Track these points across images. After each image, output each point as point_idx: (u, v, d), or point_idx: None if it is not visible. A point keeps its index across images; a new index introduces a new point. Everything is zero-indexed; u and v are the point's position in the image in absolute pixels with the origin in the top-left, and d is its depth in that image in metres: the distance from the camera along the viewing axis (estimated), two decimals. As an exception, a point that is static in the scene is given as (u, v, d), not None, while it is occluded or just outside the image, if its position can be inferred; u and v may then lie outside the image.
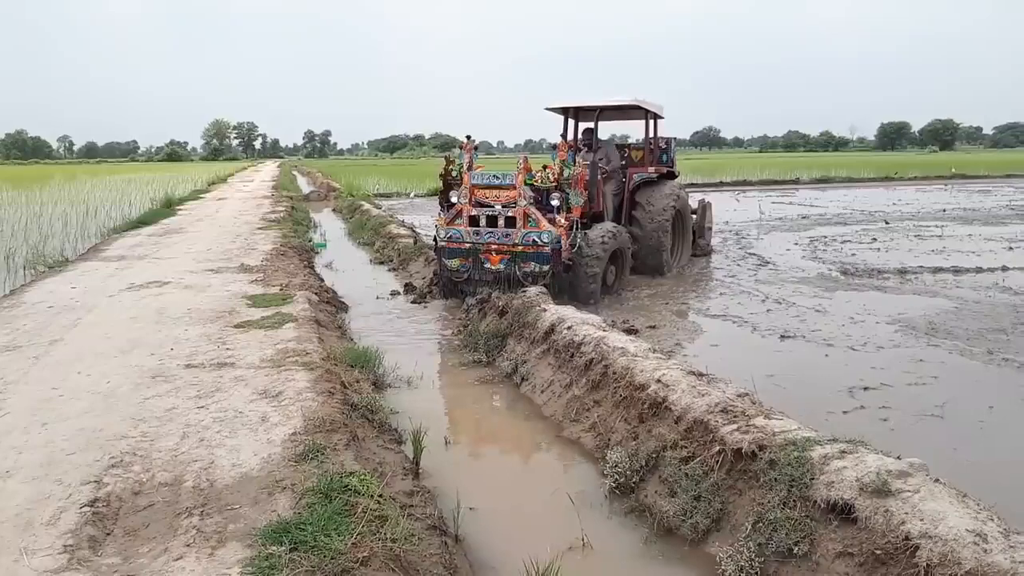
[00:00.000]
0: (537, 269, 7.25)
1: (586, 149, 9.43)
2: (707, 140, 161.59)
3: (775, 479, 2.94)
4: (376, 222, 14.29)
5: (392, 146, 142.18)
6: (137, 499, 2.98)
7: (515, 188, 7.38)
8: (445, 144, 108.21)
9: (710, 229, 11.57)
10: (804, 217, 17.28)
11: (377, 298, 8.43)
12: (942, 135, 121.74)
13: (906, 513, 2.48)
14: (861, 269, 9.66)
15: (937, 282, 8.69)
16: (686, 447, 3.49)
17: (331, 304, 7.47)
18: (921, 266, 9.74)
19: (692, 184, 25.49)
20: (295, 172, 49.62)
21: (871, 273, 9.35)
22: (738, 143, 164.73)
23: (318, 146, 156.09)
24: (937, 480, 2.66)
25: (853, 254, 11.16)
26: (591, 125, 9.87)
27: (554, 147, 7.97)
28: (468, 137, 7.92)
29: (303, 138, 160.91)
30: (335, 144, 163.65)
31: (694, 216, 10.82)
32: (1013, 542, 2.26)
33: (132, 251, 10.50)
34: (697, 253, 10.93)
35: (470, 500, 3.47)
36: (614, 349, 4.65)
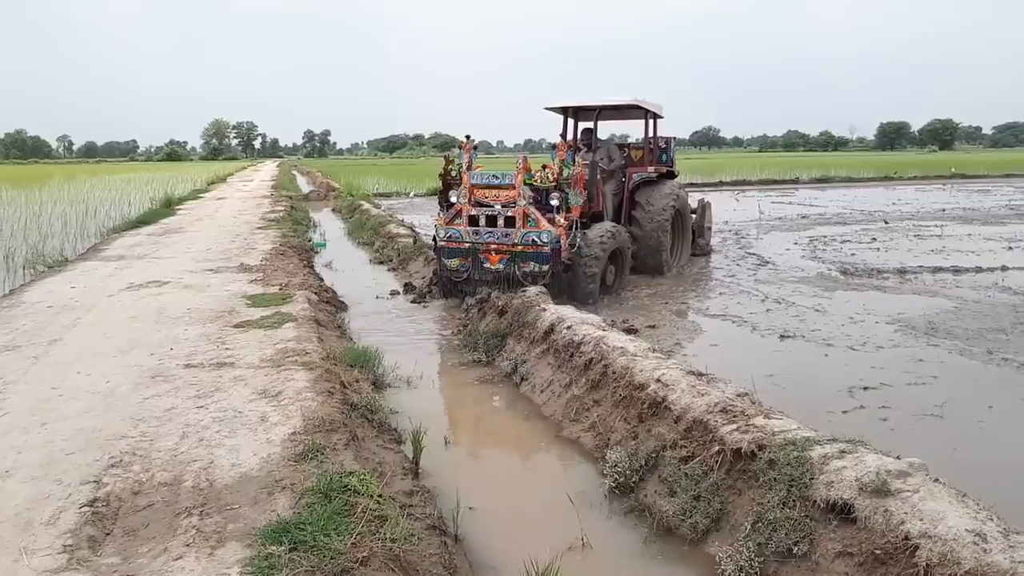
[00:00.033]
0: (536, 269, 7.25)
1: (585, 149, 9.43)
2: (707, 140, 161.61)
3: (775, 479, 2.94)
4: (376, 222, 14.29)
5: (392, 146, 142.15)
6: (136, 499, 2.98)
7: (514, 188, 7.38)
8: (445, 144, 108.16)
9: (710, 229, 11.57)
10: (804, 217, 17.29)
11: (377, 298, 8.43)
12: (941, 135, 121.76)
13: (906, 513, 2.48)
14: (861, 269, 9.66)
15: (937, 282, 8.69)
16: (686, 447, 3.49)
17: (331, 304, 7.47)
18: (921, 266, 9.74)
19: (692, 184, 25.49)
20: (294, 172, 49.61)
21: (871, 273, 9.35)
22: (737, 143, 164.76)
23: (318, 146, 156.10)
24: (937, 480, 2.66)
25: (853, 254, 11.17)
26: (590, 125, 9.87)
27: (553, 147, 7.97)
28: (467, 137, 7.92)
29: (303, 138, 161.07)
30: (335, 144, 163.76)
31: (694, 216, 10.82)
32: (1012, 542, 2.26)
33: (131, 251, 10.49)
34: (697, 253, 10.93)
35: (470, 500, 3.47)
36: (614, 349, 4.65)
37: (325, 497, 2.87)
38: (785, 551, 2.73)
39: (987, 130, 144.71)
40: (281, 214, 16.14)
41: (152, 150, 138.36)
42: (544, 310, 5.88)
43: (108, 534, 2.73)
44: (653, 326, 6.78)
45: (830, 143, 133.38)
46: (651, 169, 9.60)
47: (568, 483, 3.78)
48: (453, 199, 7.71)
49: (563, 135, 10.04)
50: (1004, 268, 9.47)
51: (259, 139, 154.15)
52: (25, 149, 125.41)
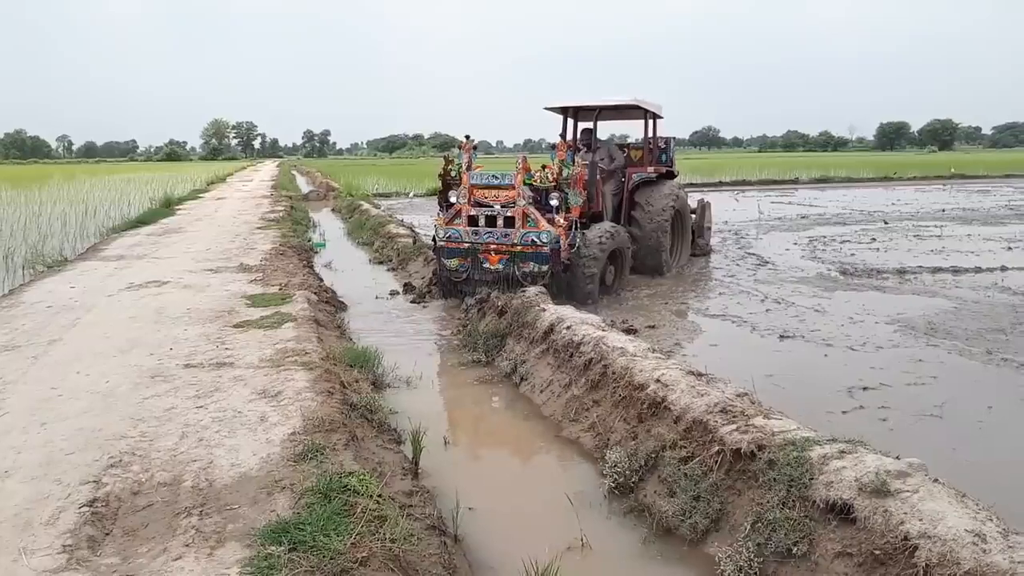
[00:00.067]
0: (536, 269, 7.25)
1: (585, 149, 9.43)
2: (706, 140, 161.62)
3: (774, 479, 2.94)
4: (375, 222, 14.28)
5: (391, 146, 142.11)
6: (136, 499, 2.98)
7: (514, 188, 7.38)
8: (444, 144, 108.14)
9: (709, 229, 11.57)
10: (803, 217, 17.30)
11: (376, 298, 8.43)
12: (941, 135, 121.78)
13: (905, 513, 2.48)
14: (860, 269, 9.66)
15: (936, 282, 8.69)
16: (685, 447, 3.49)
17: (330, 304, 7.47)
18: (920, 266, 9.75)
19: (691, 184, 25.50)
20: (294, 172, 49.61)
21: (870, 273, 9.36)
22: (737, 143, 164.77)
23: (317, 146, 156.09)
24: (936, 480, 2.66)
25: (852, 254, 11.17)
26: (590, 125, 9.87)
27: (553, 147, 7.97)
28: (467, 137, 7.92)
29: (302, 138, 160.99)
30: (334, 144, 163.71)
31: (693, 216, 10.82)
32: (1012, 542, 2.26)
33: (131, 251, 10.49)
34: (696, 253, 10.93)
35: (469, 500, 3.47)
36: (613, 349, 4.65)
37: (325, 497, 2.87)
38: (784, 551, 2.73)
39: (987, 130, 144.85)
40: (281, 214, 16.14)
41: (152, 150, 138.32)
42: (544, 310, 5.88)
43: (107, 534, 2.73)
44: (653, 326, 6.79)
45: (830, 143, 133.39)
46: (651, 169, 9.60)
47: (567, 483, 3.78)
48: (453, 199, 7.71)
49: (563, 135, 10.04)
50: (1003, 268, 9.47)
51: (259, 139, 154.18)
52: (25, 149, 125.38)
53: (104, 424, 3.75)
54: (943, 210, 18.54)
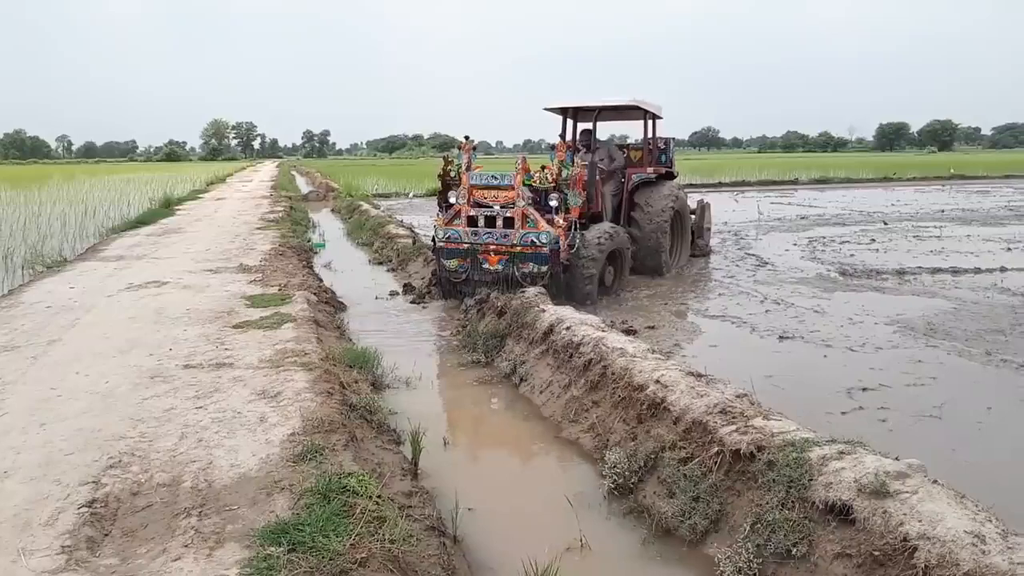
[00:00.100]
0: (535, 270, 7.25)
1: (584, 150, 9.43)
2: (706, 140, 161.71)
3: (773, 480, 2.94)
4: (375, 222, 14.29)
5: (391, 146, 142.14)
6: (135, 500, 2.98)
7: (513, 189, 7.38)
8: (444, 144, 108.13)
9: (709, 230, 11.57)
10: (803, 218, 17.30)
11: (376, 298, 8.43)
12: (941, 136, 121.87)
13: (904, 514, 2.48)
14: (860, 270, 9.66)
15: (935, 283, 8.70)
16: (685, 448, 3.50)
17: (330, 304, 7.47)
18: (920, 267, 9.75)
19: (691, 184, 25.50)
20: (294, 172, 49.60)
21: (870, 274, 9.36)
22: (737, 144, 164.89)
23: (317, 146, 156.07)
24: (935, 481, 2.66)
25: (852, 255, 11.17)
26: (589, 126, 9.87)
27: (552, 147, 7.97)
28: (467, 137, 7.92)
29: (302, 138, 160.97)
30: (334, 144, 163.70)
31: (693, 216, 10.82)
32: (1011, 543, 2.27)
33: (131, 251, 10.49)
34: (696, 254, 10.93)
35: (469, 501, 3.47)
36: (613, 350, 4.65)
37: (324, 498, 2.87)
38: (784, 552, 2.73)
39: (986, 131, 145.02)
40: (280, 214, 16.14)
41: (151, 150, 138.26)
42: (543, 311, 5.88)
43: (107, 535, 2.73)
44: (652, 327, 6.79)
45: (829, 144, 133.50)
46: (650, 170, 9.60)
47: (567, 484, 3.78)
48: (452, 200, 7.71)
49: (562, 136, 10.04)
50: (1003, 269, 9.47)
51: (258, 139, 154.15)
52: (24, 149, 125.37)
53: (103, 424, 3.75)
54: (942, 211, 18.55)
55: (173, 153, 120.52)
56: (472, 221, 7.55)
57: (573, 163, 7.65)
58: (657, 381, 4.01)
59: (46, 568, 2.48)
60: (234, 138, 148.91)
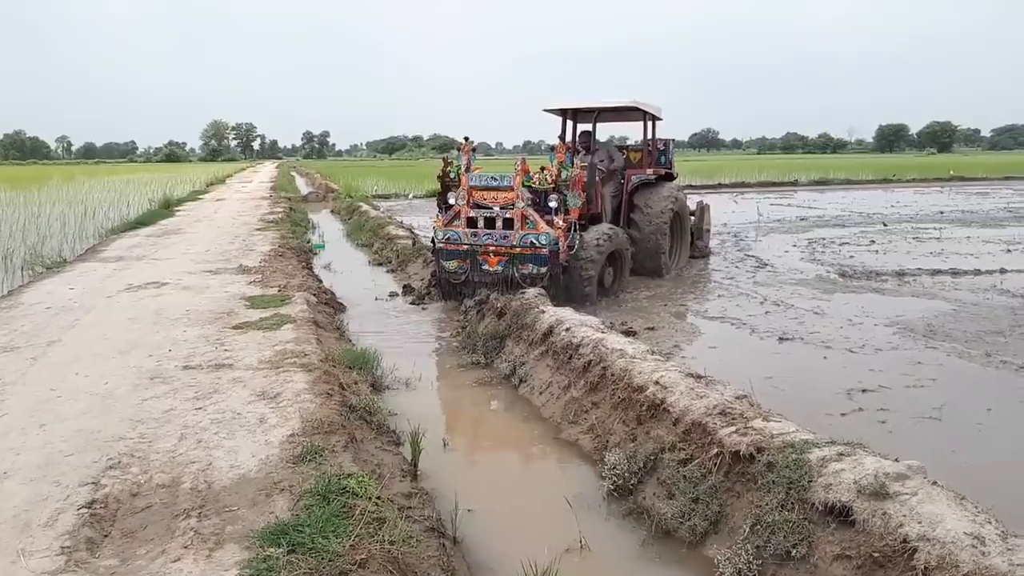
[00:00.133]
0: (535, 271, 7.25)
1: (583, 151, 9.44)
2: (705, 142, 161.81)
3: (773, 481, 2.94)
4: (374, 223, 14.29)
5: (391, 147, 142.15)
6: (135, 501, 2.98)
7: (513, 190, 7.38)
8: (444, 145, 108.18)
9: (708, 231, 11.57)
10: (802, 219, 17.31)
11: (376, 299, 8.43)
12: (940, 137, 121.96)
13: (904, 516, 2.48)
14: (859, 271, 9.67)
15: (935, 284, 8.70)
16: (684, 449, 3.50)
17: (329, 305, 7.47)
18: (919, 268, 9.75)
19: (690, 186, 25.51)
20: (293, 173, 49.60)
21: (869, 275, 9.36)
22: (736, 145, 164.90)
23: (316, 147, 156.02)
24: (935, 483, 2.66)
25: (851, 256, 11.18)
26: (588, 128, 9.88)
27: (552, 149, 7.98)
28: (466, 138, 7.92)
29: (302, 139, 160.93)
30: (334, 145, 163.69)
31: (692, 218, 10.83)
32: (1011, 545, 2.27)
33: (130, 252, 10.49)
34: (695, 255, 10.93)
35: (468, 502, 3.47)
36: (612, 351, 4.65)
37: (323, 499, 2.86)
38: (783, 554, 2.73)
39: (986, 132, 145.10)
40: (280, 215, 16.14)
41: (151, 151, 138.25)
42: (543, 312, 5.88)
43: (106, 536, 2.73)
44: (652, 328, 6.79)
45: (829, 145, 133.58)
46: (650, 171, 9.60)
47: (567, 485, 3.78)
48: (451, 201, 7.71)
49: (562, 137, 10.04)
50: (1002, 271, 9.48)
51: (258, 140, 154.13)
52: (24, 150, 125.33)
53: (103, 425, 3.75)
54: (942, 212, 18.56)
55: (173, 154, 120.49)
56: (472, 222, 7.55)
57: (572, 164, 7.65)
58: (657, 382, 4.01)
59: (46, 569, 2.47)
60: (234, 139, 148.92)
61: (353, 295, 8.51)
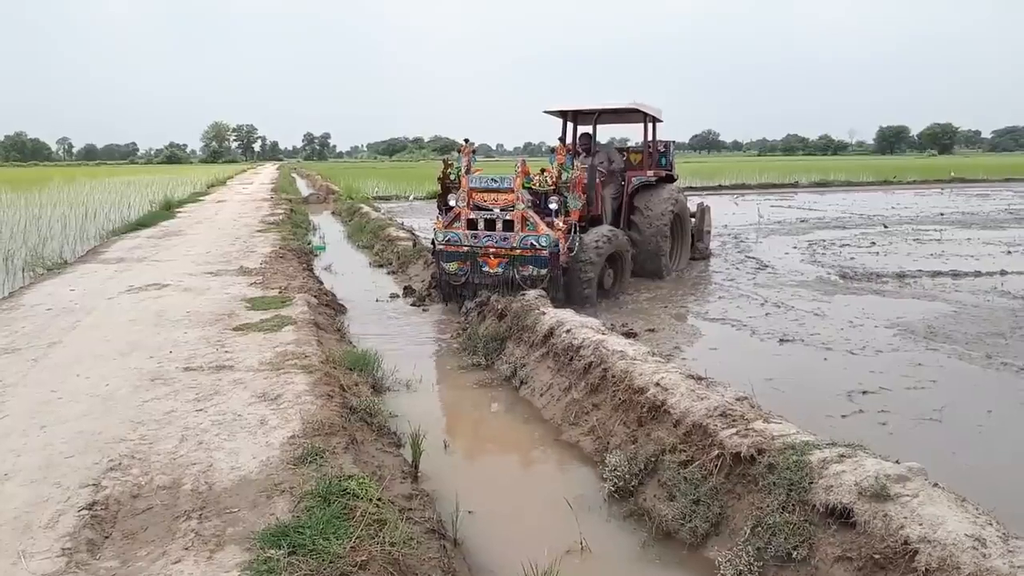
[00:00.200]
0: (535, 272, 7.25)
1: (583, 153, 9.44)
2: (706, 143, 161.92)
3: (774, 483, 2.94)
4: (375, 225, 14.29)
5: (391, 149, 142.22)
6: (136, 502, 2.98)
7: (513, 191, 7.38)
8: (444, 147, 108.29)
9: (709, 232, 11.58)
10: (803, 221, 17.31)
11: (376, 301, 8.43)
12: (941, 139, 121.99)
13: (905, 517, 2.48)
14: (860, 273, 9.67)
15: (936, 286, 8.70)
16: (685, 451, 3.49)
17: (330, 307, 7.47)
18: (920, 270, 9.75)
19: (691, 187, 25.50)
20: (294, 175, 49.63)
21: (870, 277, 9.36)
22: (737, 146, 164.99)
23: (317, 148, 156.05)
24: (936, 484, 2.66)
25: (852, 258, 11.18)
26: (588, 130, 9.88)
27: (552, 150, 7.98)
28: (466, 140, 7.92)
29: (302, 140, 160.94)
30: (334, 147, 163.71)
31: (693, 219, 10.83)
32: (1012, 547, 2.27)
33: (131, 253, 10.50)
34: (696, 256, 10.93)
35: (469, 503, 3.47)
36: (613, 352, 4.65)
37: (324, 501, 2.87)
38: (784, 555, 2.73)
39: (986, 134, 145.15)
40: (280, 217, 16.15)
41: (152, 153, 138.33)
42: (543, 314, 5.88)
43: (107, 537, 2.73)
44: (652, 330, 6.79)
45: (829, 147, 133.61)
46: (650, 173, 9.61)
47: (567, 487, 3.78)
48: (452, 203, 7.72)
49: (562, 138, 10.03)
50: (1003, 272, 9.48)
51: (259, 142, 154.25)
52: (25, 151, 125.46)
53: (104, 427, 3.75)
54: (942, 214, 18.56)
55: (174, 155, 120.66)
56: (472, 224, 7.55)
57: (573, 166, 7.65)
58: (657, 384, 4.01)
59: (46, 571, 2.47)
60: (234, 140, 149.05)
61: (354, 297, 8.51)
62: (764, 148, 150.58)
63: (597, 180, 8.27)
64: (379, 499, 2.95)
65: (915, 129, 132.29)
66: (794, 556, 2.70)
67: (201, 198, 24.05)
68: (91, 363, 4.90)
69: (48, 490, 3.05)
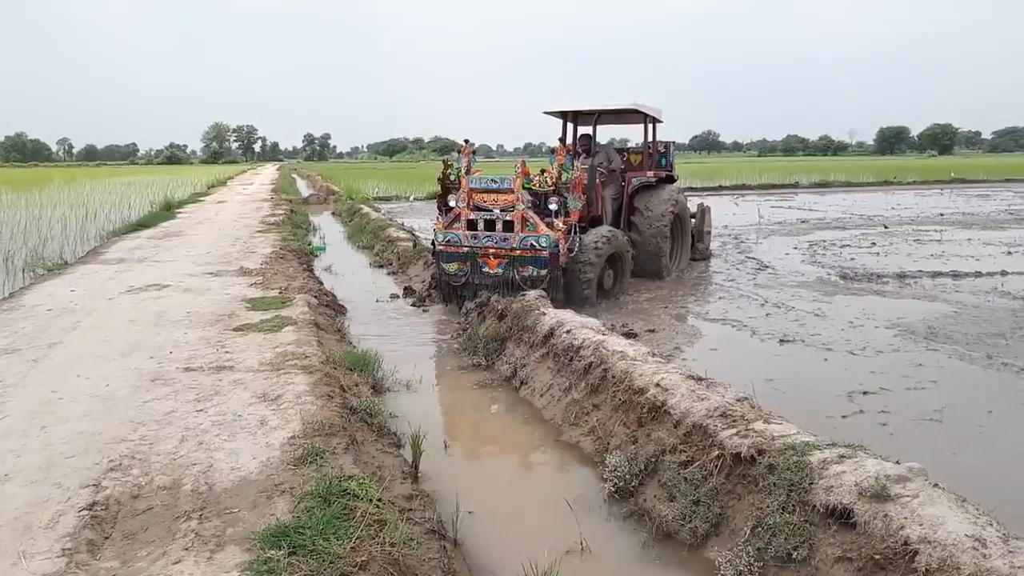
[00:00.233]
0: (535, 273, 7.25)
1: (584, 155, 9.44)
2: (706, 144, 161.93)
3: (774, 483, 2.94)
4: (375, 225, 14.30)
5: (391, 149, 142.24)
6: (136, 503, 2.98)
7: (513, 192, 7.38)
8: (444, 147, 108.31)
9: (709, 233, 11.58)
10: (803, 221, 17.31)
11: (377, 301, 8.43)
12: (941, 139, 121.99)
13: (905, 518, 2.48)
14: (860, 273, 9.67)
15: (936, 286, 8.70)
16: (685, 451, 3.49)
17: (330, 307, 7.47)
18: (920, 270, 9.75)
19: (691, 188, 25.50)
20: (294, 175, 49.63)
21: (870, 277, 9.36)
22: (737, 147, 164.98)
23: (317, 149, 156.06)
24: (936, 485, 2.66)
25: (852, 258, 11.18)
26: (588, 130, 9.88)
27: (552, 151, 7.98)
28: (467, 141, 7.93)
29: (302, 141, 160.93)
30: (334, 147, 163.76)
31: (693, 220, 10.83)
32: (1012, 547, 2.26)
33: (131, 254, 10.50)
34: (696, 257, 10.93)
35: (469, 504, 3.47)
36: (613, 353, 4.65)
37: (324, 501, 2.87)
38: (784, 556, 2.73)
39: (986, 135, 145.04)
40: (281, 218, 16.15)
41: (152, 153, 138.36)
42: (544, 314, 5.88)
43: (107, 538, 2.73)
44: (653, 330, 6.79)
45: (830, 147, 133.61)
46: (650, 174, 9.61)
47: (567, 487, 3.78)
48: (452, 203, 7.72)
49: (562, 139, 10.03)
50: (1004, 273, 9.48)
51: (259, 142, 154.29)
52: (25, 152, 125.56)
53: (104, 427, 3.75)
54: (943, 214, 18.55)
55: (174, 156, 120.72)
56: (472, 225, 7.55)
57: (573, 167, 7.65)
58: (658, 384, 4.01)
59: (46, 571, 2.47)
60: (235, 141, 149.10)
61: (354, 297, 8.51)
62: (764, 149, 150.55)
63: (597, 181, 8.27)
64: (379, 499, 2.95)
65: (915, 130, 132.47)
66: (794, 556, 2.70)
67: (201, 199, 24.05)
68: (91, 363, 4.90)
69: (48, 490, 3.05)
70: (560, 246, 7.20)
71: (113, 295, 7.31)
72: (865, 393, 5.00)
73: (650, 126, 9.71)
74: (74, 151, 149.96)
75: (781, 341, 6.37)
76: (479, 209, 7.56)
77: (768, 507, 2.89)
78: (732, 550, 2.89)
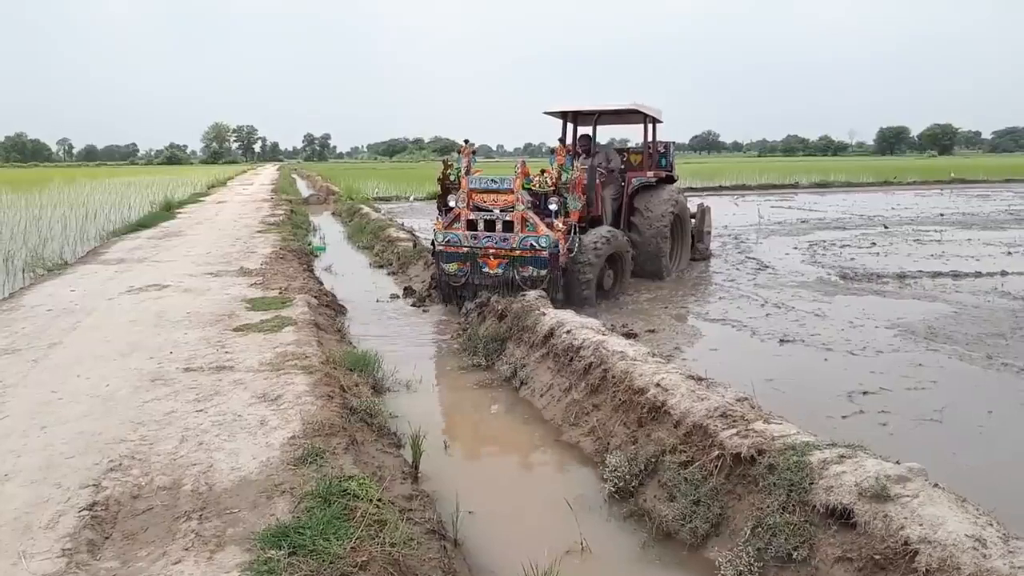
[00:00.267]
0: (535, 273, 7.25)
1: (584, 155, 9.44)
2: (706, 144, 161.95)
3: (774, 484, 2.94)
4: (375, 226, 14.30)
5: (391, 149, 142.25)
6: (136, 503, 2.98)
7: (513, 192, 7.38)
8: (444, 148, 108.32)
9: (709, 233, 11.58)
10: (803, 221, 17.31)
11: (377, 302, 8.43)
12: (941, 139, 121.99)
13: (905, 518, 2.48)
14: (860, 273, 9.67)
15: (936, 287, 8.70)
16: (685, 451, 3.49)
17: (330, 307, 7.47)
18: (920, 271, 9.75)
19: (691, 188, 25.50)
20: (294, 175, 49.62)
21: (870, 277, 9.36)
22: (737, 147, 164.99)
23: (317, 149, 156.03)
24: (936, 485, 2.66)
25: (852, 258, 11.18)
26: (588, 131, 9.88)
27: (552, 151, 7.98)
28: (467, 141, 7.93)
29: (303, 141, 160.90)
30: (334, 147, 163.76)
31: (693, 220, 10.83)
32: (1012, 547, 2.26)
33: (131, 254, 10.50)
34: (696, 257, 10.94)
35: (469, 504, 3.47)
36: (613, 353, 4.65)
37: (324, 501, 2.87)
38: (784, 556, 2.73)
39: (986, 135, 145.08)
40: (281, 218, 16.15)
41: (152, 153, 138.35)
42: (544, 314, 5.88)
43: (107, 538, 2.73)
44: (653, 330, 6.79)
45: (830, 148, 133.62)
46: (650, 174, 9.61)
47: (567, 487, 3.78)
48: (452, 203, 7.72)
49: (562, 139, 10.04)
50: (1003, 273, 9.48)
51: (259, 143, 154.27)
52: (25, 152, 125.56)
53: (104, 428, 3.75)
54: (943, 215, 18.56)
55: (174, 156, 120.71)
56: (472, 225, 7.55)
57: (573, 167, 7.65)
58: (658, 385, 4.01)
59: (47, 571, 2.47)
60: (235, 141, 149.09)
61: (354, 297, 8.51)
62: (764, 149, 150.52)
63: (597, 181, 8.28)
64: (379, 500, 2.95)
65: (915, 130, 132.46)
66: (794, 557, 2.70)
67: (201, 199, 24.05)
68: (91, 364, 4.90)
69: (48, 491, 3.05)
70: (560, 246, 7.20)
71: (113, 295, 7.31)
72: (865, 393, 5.00)
73: (650, 126, 9.71)
74: (74, 151, 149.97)
75: (781, 341, 6.37)
76: (479, 209, 7.56)
77: (768, 507, 2.89)
78: (732, 550, 2.89)
